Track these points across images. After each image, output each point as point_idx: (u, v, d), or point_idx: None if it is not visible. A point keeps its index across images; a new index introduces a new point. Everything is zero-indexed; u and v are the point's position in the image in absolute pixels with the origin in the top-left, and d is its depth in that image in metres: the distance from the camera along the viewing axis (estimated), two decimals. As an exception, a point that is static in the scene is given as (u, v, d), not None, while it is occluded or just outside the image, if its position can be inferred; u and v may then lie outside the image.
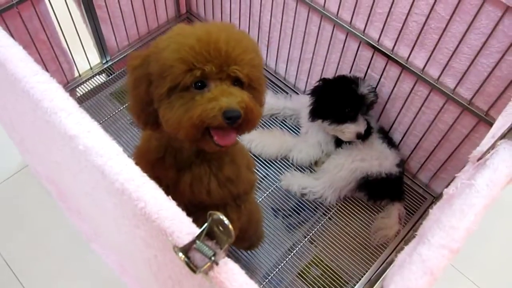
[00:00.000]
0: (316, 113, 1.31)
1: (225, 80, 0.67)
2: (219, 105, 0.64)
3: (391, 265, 0.60)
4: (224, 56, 0.65)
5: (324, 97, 1.30)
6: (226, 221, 0.41)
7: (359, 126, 1.27)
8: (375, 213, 1.36)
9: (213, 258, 0.42)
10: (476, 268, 1.34)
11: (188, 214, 0.46)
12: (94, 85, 1.56)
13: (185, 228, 0.44)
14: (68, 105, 0.53)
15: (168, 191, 0.73)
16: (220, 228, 0.42)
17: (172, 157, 0.78)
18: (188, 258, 0.42)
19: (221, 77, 0.66)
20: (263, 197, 1.37)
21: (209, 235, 0.43)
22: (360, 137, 1.28)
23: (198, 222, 0.45)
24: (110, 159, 0.48)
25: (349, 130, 1.27)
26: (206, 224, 0.42)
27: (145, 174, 0.48)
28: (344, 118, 1.27)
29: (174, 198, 0.48)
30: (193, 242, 0.43)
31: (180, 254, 0.41)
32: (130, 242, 0.68)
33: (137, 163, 0.49)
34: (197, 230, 0.44)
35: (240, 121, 0.65)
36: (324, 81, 1.32)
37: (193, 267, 0.41)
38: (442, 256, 0.46)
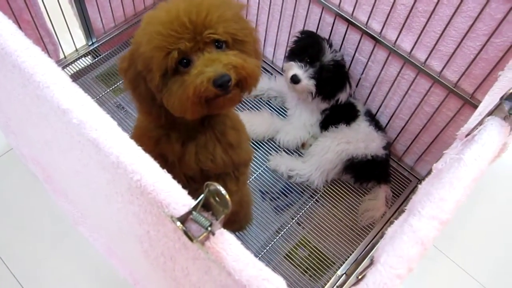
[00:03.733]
0: (290, 52, 1.35)
1: (205, 47, 0.66)
2: (205, 77, 0.64)
3: (382, 239, 0.62)
4: (191, 27, 0.64)
5: (301, 40, 1.34)
6: (223, 191, 0.41)
7: (299, 72, 1.27)
8: (361, 196, 1.38)
9: (209, 228, 0.42)
10: (456, 247, 1.37)
11: (190, 190, 0.46)
12: (80, 67, 1.54)
13: (181, 200, 0.45)
14: (60, 79, 0.52)
15: (174, 167, 0.73)
16: (217, 199, 0.42)
17: (177, 131, 0.79)
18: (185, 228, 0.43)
19: (199, 47, 0.66)
20: (251, 179, 1.38)
21: (205, 206, 0.44)
22: (295, 82, 1.28)
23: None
24: (105, 132, 0.48)
25: (289, 69, 1.30)
26: (202, 195, 0.43)
27: (140, 147, 0.48)
28: (299, 60, 1.29)
29: (181, 172, 0.48)
30: (189, 213, 0.43)
31: (178, 223, 0.42)
32: (121, 220, 0.68)
33: (138, 142, 0.49)
34: (193, 202, 0.44)
35: (235, 82, 0.65)
36: (307, 33, 1.36)
37: (191, 236, 0.41)
38: (433, 226, 0.47)
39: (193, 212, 0.43)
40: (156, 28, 0.64)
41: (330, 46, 1.29)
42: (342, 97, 1.32)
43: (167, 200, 0.45)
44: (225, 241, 0.43)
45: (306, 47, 1.29)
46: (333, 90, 1.31)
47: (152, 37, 0.65)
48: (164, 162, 0.80)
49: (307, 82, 1.27)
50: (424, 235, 0.46)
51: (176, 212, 0.44)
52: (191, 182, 0.83)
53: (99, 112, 0.50)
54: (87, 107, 0.50)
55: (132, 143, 0.48)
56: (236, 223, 1.16)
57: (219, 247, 0.43)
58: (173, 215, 0.44)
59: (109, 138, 0.48)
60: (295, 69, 1.28)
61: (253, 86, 0.71)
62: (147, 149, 0.49)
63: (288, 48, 1.38)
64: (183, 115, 0.70)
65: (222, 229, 0.44)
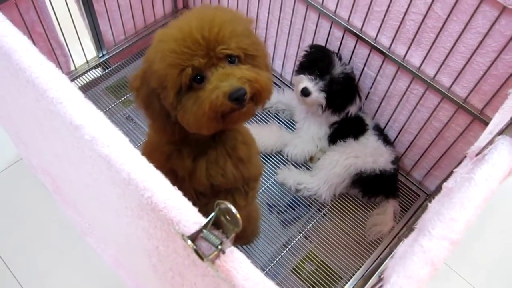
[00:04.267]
0: (299, 65, 1.36)
1: (218, 63, 0.67)
2: (221, 91, 0.64)
3: (389, 257, 0.61)
4: (204, 44, 0.65)
5: (310, 54, 1.34)
6: (234, 210, 0.41)
7: (309, 84, 1.28)
8: (369, 210, 1.37)
9: (219, 246, 0.42)
10: (468, 265, 1.36)
11: (200, 204, 0.46)
12: (90, 79, 1.55)
13: (191, 217, 0.45)
14: (74, 95, 0.53)
15: (184, 182, 0.74)
16: (227, 217, 0.43)
17: (189, 146, 0.79)
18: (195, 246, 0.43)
19: (213, 63, 0.67)
20: (259, 192, 1.38)
21: (216, 224, 0.44)
22: (305, 95, 1.28)
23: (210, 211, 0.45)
24: (116, 149, 0.49)
25: (299, 82, 1.30)
26: (213, 213, 0.43)
27: (151, 164, 0.49)
28: (309, 73, 1.29)
29: (191, 187, 0.48)
30: (200, 231, 0.43)
31: (189, 241, 0.42)
32: (130, 234, 0.68)
33: (148, 158, 0.49)
34: (203, 220, 0.45)
35: (250, 95, 0.66)
36: (317, 47, 1.36)
37: (201, 254, 0.41)
38: (443, 247, 0.47)
39: (204, 230, 0.43)
40: (169, 46, 0.65)
41: (340, 59, 1.29)
42: (352, 109, 1.33)
43: (177, 217, 0.45)
44: (235, 260, 0.43)
45: (316, 60, 1.30)
46: (343, 102, 1.31)
47: (166, 55, 0.65)
48: (174, 177, 0.80)
49: (318, 95, 1.28)
50: (435, 256, 0.46)
51: (187, 230, 0.44)
52: (201, 197, 0.83)
53: (111, 128, 0.50)
54: (100, 123, 0.51)
55: (144, 160, 0.49)
56: (243, 238, 1.16)
57: (229, 266, 0.43)
58: (184, 233, 0.44)
59: (121, 155, 0.48)
60: (305, 82, 1.28)
61: (266, 99, 0.71)
62: (158, 165, 0.49)
63: (298, 62, 1.38)
64: (199, 131, 0.70)
65: (232, 247, 0.44)
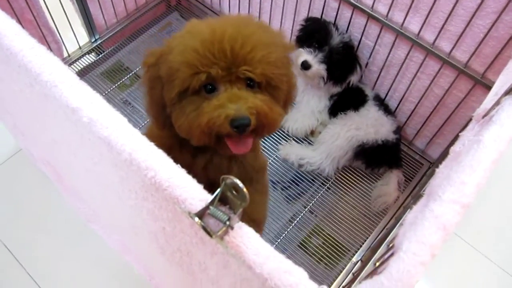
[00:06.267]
0: (297, 39, 1.35)
1: (235, 82, 0.63)
2: (225, 113, 0.61)
3: (396, 226, 0.61)
4: (230, 57, 0.61)
5: (307, 27, 1.33)
6: (241, 184, 0.40)
7: (309, 57, 1.26)
8: (373, 182, 1.36)
9: (227, 222, 0.41)
10: (473, 230, 1.36)
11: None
12: (84, 65, 1.53)
13: (197, 195, 0.44)
14: (68, 77, 0.51)
15: None
16: (234, 192, 0.42)
17: (189, 144, 0.75)
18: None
19: (230, 79, 0.62)
20: (261, 170, 1.37)
21: (222, 200, 0.43)
22: (305, 68, 1.26)
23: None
24: (116, 130, 0.47)
25: (298, 56, 1.28)
26: (219, 189, 0.42)
27: (152, 143, 0.48)
28: (307, 45, 1.28)
29: None
30: (206, 208, 0.42)
31: (196, 219, 0.41)
32: (135, 217, 0.67)
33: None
34: (209, 196, 0.44)
35: (252, 127, 0.62)
36: (312, 19, 1.34)
37: (210, 231, 0.41)
38: (454, 211, 0.46)
39: (210, 207, 0.42)
40: (194, 43, 0.61)
41: (337, 29, 1.27)
42: (353, 79, 1.31)
43: (183, 195, 0.44)
44: (244, 235, 0.43)
45: (313, 33, 1.28)
46: (344, 72, 1.29)
47: (186, 51, 0.61)
48: None
49: (318, 67, 1.26)
50: (447, 220, 0.45)
51: (193, 208, 0.43)
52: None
53: (109, 109, 0.49)
54: (97, 105, 0.49)
55: (144, 139, 0.48)
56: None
57: (238, 241, 0.42)
58: (190, 210, 0.43)
59: (120, 136, 0.47)
60: (305, 55, 1.26)
61: (268, 134, 0.69)
62: None
63: (295, 36, 1.36)
64: (188, 138, 0.67)
65: (240, 222, 0.43)
